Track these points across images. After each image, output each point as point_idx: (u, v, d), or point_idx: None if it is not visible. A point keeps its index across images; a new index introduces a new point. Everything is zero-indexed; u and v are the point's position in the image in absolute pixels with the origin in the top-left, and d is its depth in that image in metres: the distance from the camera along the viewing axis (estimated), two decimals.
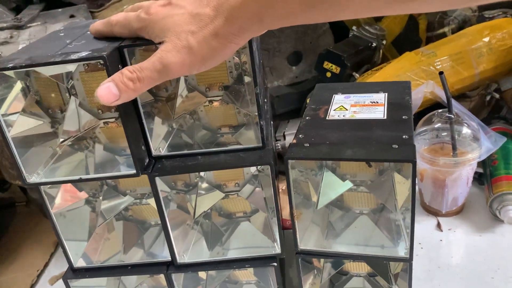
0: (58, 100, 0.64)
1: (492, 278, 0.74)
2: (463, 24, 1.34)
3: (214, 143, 0.63)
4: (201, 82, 0.64)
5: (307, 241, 0.64)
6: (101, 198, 0.70)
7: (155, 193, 0.58)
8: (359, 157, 0.54)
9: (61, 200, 0.67)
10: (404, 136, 0.57)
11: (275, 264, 0.62)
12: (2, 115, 0.55)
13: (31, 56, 0.53)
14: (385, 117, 0.62)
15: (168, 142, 0.62)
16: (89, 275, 0.65)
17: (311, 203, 0.65)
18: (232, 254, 0.67)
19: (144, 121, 0.58)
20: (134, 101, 0.57)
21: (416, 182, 0.90)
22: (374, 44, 1.08)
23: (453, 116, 0.81)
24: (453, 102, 0.86)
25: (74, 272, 0.65)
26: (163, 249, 0.67)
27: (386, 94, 0.69)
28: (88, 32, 0.63)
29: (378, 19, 1.24)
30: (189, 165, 0.58)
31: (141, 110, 0.58)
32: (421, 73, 0.98)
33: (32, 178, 0.58)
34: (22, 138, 0.58)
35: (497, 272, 0.75)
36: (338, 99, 0.70)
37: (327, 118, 0.64)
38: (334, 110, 0.66)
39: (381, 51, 1.09)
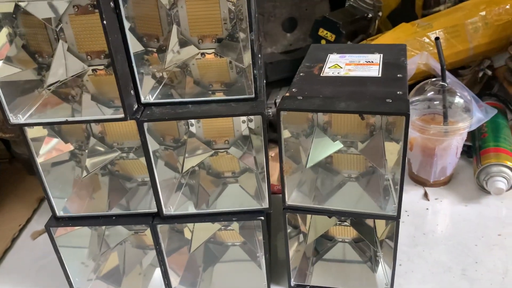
0: (46, 44, 0.62)
1: (476, 245, 0.75)
2: (459, 2, 1.34)
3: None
4: (194, 34, 0.62)
5: (295, 198, 0.64)
6: (87, 151, 0.69)
7: (143, 140, 0.57)
8: (352, 109, 0.54)
9: (46, 151, 0.65)
10: (398, 92, 0.56)
11: (262, 218, 0.61)
12: None
13: None
14: (379, 75, 0.62)
15: (157, 92, 0.61)
16: (72, 224, 0.64)
17: (301, 164, 0.65)
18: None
19: (134, 67, 0.57)
20: (126, 47, 0.55)
21: None
22: (370, 15, 1.07)
23: (446, 85, 0.81)
24: (447, 73, 0.86)
25: (57, 220, 0.63)
26: (150, 206, 0.66)
27: (382, 55, 0.68)
28: None
29: None
30: (179, 112, 0.56)
31: (132, 57, 0.56)
32: (416, 44, 0.97)
33: (15, 119, 0.56)
34: (6, 83, 0.56)
35: (481, 240, 0.76)
36: (333, 58, 0.69)
37: (321, 74, 0.64)
38: (329, 67, 0.65)
39: (376, 22, 1.08)
